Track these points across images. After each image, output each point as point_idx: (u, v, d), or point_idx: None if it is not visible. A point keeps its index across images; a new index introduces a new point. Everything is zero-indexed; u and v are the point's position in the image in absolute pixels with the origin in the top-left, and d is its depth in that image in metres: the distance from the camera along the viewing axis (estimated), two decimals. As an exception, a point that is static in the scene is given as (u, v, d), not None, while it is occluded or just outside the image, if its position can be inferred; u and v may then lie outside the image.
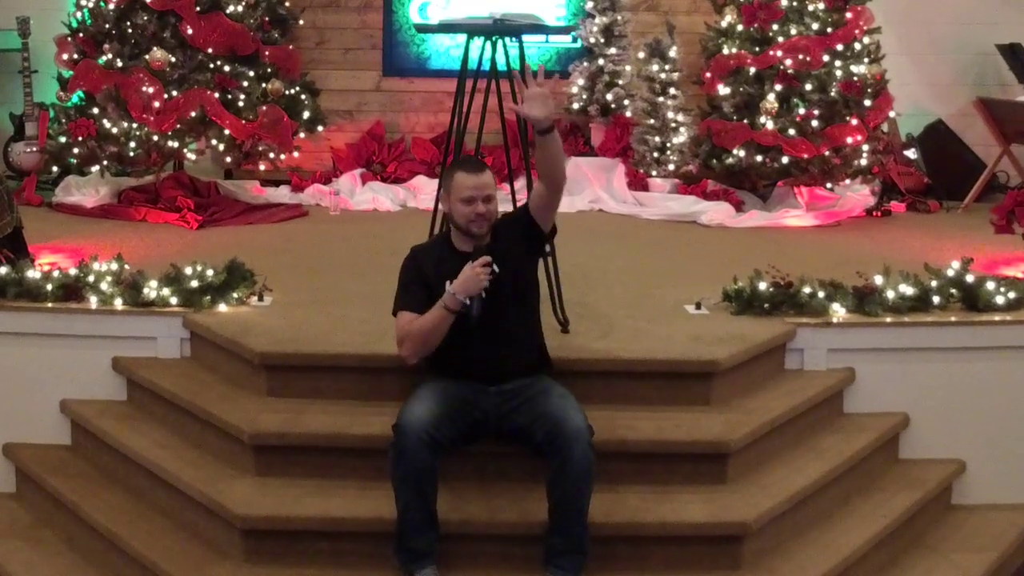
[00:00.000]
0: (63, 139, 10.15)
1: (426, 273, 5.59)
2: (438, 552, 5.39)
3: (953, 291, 7.03)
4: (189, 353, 6.74)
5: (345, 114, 12.18)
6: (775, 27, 10.62)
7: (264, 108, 10.41)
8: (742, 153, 10.49)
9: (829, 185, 10.82)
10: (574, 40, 11.99)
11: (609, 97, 11.71)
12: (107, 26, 10.21)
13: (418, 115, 12.28)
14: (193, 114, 10.02)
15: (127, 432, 6.38)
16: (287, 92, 10.82)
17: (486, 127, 7.11)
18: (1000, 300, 6.95)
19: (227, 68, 10.36)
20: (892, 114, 10.95)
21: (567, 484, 5.19)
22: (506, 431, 5.54)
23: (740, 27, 10.88)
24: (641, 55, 11.61)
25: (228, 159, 10.60)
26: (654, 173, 11.37)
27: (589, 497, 5.28)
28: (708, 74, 11.06)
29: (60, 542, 6.26)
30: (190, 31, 10.18)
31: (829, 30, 10.53)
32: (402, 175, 11.68)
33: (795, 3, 10.60)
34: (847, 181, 10.74)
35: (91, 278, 6.87)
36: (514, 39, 6.71)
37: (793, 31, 10.57)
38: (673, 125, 11.40)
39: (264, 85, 10.57)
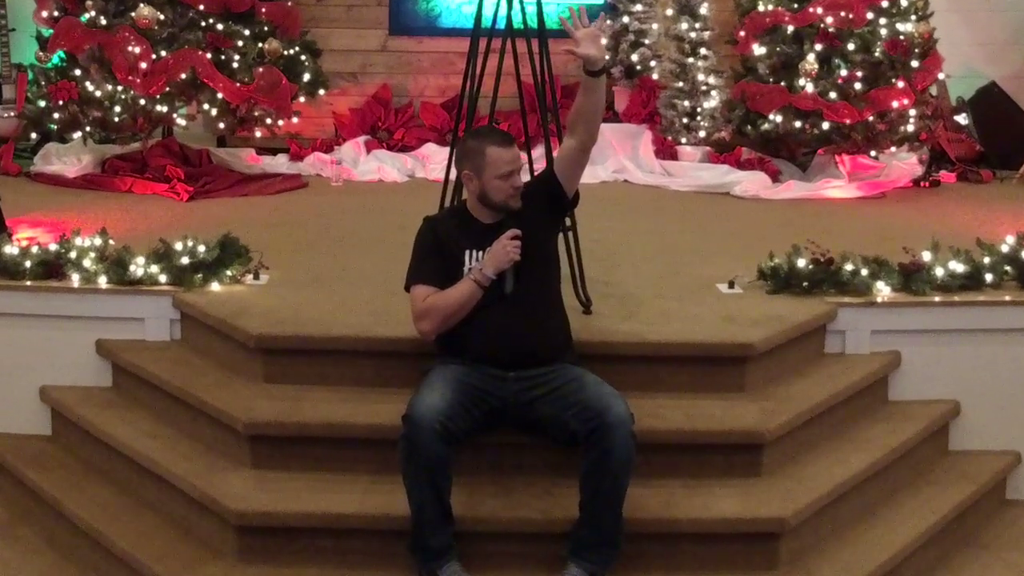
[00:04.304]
0: (43, 103, 10.15)
1: (445, 244, 5.62)
2: (457, 547, 5.39)
3: (1007, 268, 7.01)
4: (179, 335, 6.74)
5: (348, 76, 12.18)
6: (815, -19, 10.60)
7: (260, 70, 10.41)
8: (779, 118, 10.47)
9: (873, 153, 10.78)
10: (597, -5, 11.99)
11: (635, 58, 11.71)
12: (90, -20, 10.22)
13: (427, 77, 12.28)
14: (183, 76, 10.01)
15: (112, 421, 6.38)
16: (285, 52, 10.81)
17: (501, 90, 7.10)
18: (1059, 278, 6.94)
19: (220, 26, 10.36)
20: (941, 76, 10.91)
21: (606, 476, 5.19)
22: (528, 420, 5.53)
23: (777, -19, 10.86)
24: (669, 12, 11.60)
25: (221, 125, 10.59)
26: (683, 140, 11.37)
27: (627, 489, 5.28)
28: (742, 33, 11.02)
29: (39, 540, 6.25)
30: (180, -14, 10.20)
31: (873, -16, 10.51)
32: (410, 143, 11.69)
33: (836, -45, 10.57)
34: (893, 149, 10.70)
35: (73, 254, 6.86)
36: (532, -6, 6.70)
37: (834, -14, 10.54)
38: (704, 88, 11.40)
39: (260, 45, 10.57)
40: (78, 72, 10.08)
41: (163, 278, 6.75)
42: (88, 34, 10.01)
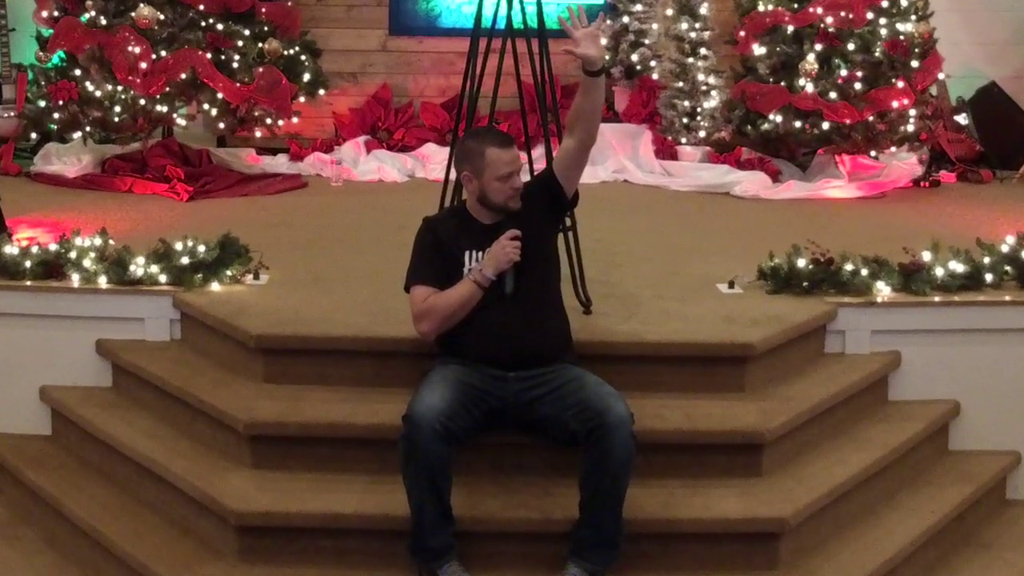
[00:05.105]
0: (43, 103, 10.15)
1: (445, 245, 5.61)
2: (457, 547, 5.39)
3: (1008, 268, 7.01)
4: (179, 335, 6.74)
5: (348, 76, 12.18)
6: (815, -19, 10.60)
7: (260, 70, 10.41)
8: (779, 118, 10.46)
9: (873, 153, 10.77)
10: (596, -5, 11.98)
11: (635, 58, 11.70)
12: (90, -20, 10.21)
13: (428, 77, 12.28)
14: (183, 76, 10.01)
15: (112, 421, 6.38)
16: (285, 52, 10.81)
17: (501, 90, 7.09)
18: (1059, 278, 6.93)
19: (220, 26, 10.35)
20: (941, 76, 10.89)
21: (606, 476, 5.19)
22: (528, 420, 5.53)
23: (777, -19, 10.85)
24: (669, 12, 11.59)
25: (221, 125, 10.58)
26: (683, 140, 11.37)
27: (626, 489, 5.28)
28: (742, 33, 11.00)
29: (39, 540, 6.26)
30: (180, -14, 10.19)
31: (873, -16, 10.51)
32: (410, 143, 11.69)
33: (836, -45, 10.57)
34: (893, 149, 10.69)
35: (73, 254, 6.86)
36: (532, -6, 6.69)
37: (834, -15, 10.53)
38: (704, 88, 11.39)
39: (260, 45, 10.56)
40: (78, 72, 10.07)
41: (163, 278, 6.75)
42: (88, 34, 10.01)
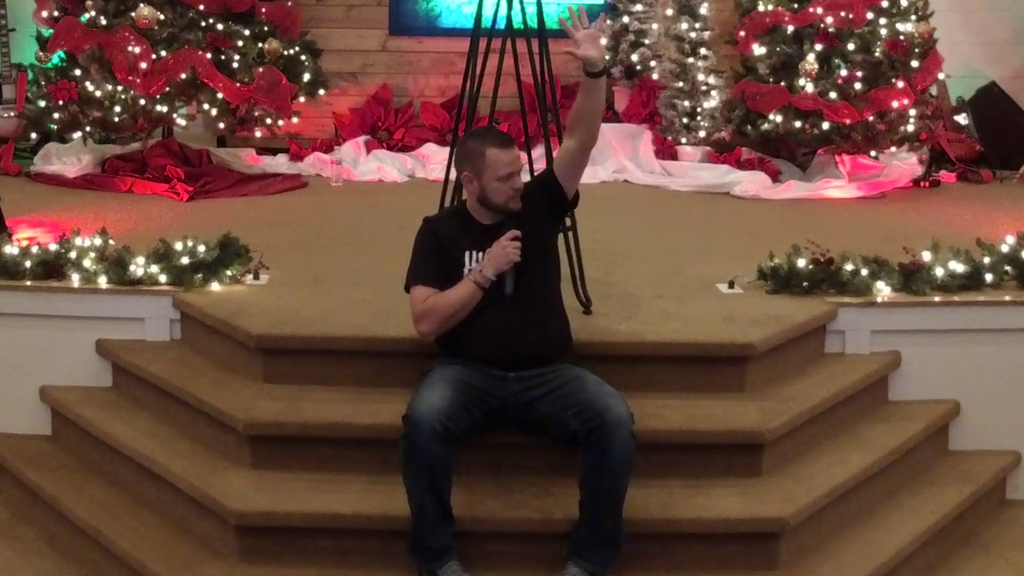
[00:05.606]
0: (43, 103, 10.15)
1: (445, 245, 5.61)
2: (457, 547, 5.38)
3: (1008, 268, 7.00)
4: (179, 335, 6.73)
5: (348, 76, 12.17)
6: (815, -19, 10.59)
7: (260, 70, 10.41)
8: (779, 118, 10.46)
9: (873, 153, 10.77)
10: (596, -5, 11.97)
11: (635, 58, 11.70)
12: (90, -20, 10.21)
13: (428, 77, 12.27)
14: (183, 76, 10.01)
15: (112, 421, 6.37)
16: (285, 52, 10.81)
17: (501, 91, 7.09)
18: (1059, 278, 6.93)
19: (220, 26, 10.35)
20: (941, 76, 10.89)
21: (606, 476, 5.18)
22: (528, 420, 5.53)
23: (777, -19, 10.85)
24: (669, 12, 11.58)
25: (221, 125, 10.58)
26: (683, 140, 11.36)
27: (626, 489, 5.28)
28: (742, 33, 11.00)
29: (40, 540, 6.25)
30: (180, -14, 10.19)
31: (873, -16, 10.51)
32: (410, 143, 11.69)
33: (836, -45, 10.56)
34: (893, 149, 10.69)
35: (73, 254, 6.85)
36: (532, -6, 6.69)
37: (834, -14, 10.53)
38: (704, 88, 11.39)
39: (260, 45, 10.56)
40: (78, 72, 10.07)
41: (163, 278, 6.74)
42: (88, 34, 10.00)
